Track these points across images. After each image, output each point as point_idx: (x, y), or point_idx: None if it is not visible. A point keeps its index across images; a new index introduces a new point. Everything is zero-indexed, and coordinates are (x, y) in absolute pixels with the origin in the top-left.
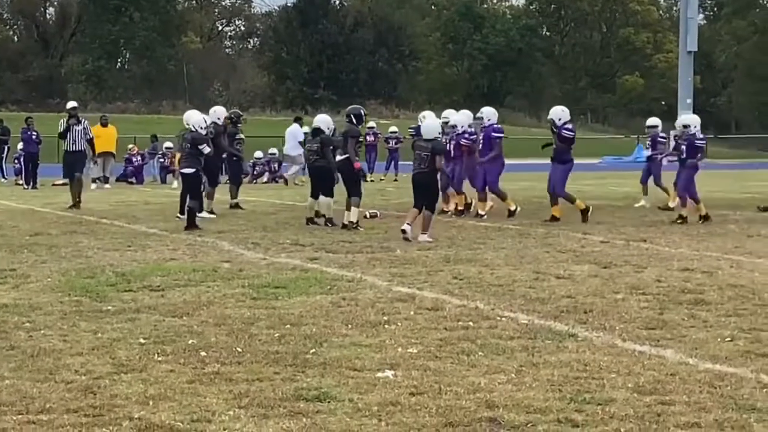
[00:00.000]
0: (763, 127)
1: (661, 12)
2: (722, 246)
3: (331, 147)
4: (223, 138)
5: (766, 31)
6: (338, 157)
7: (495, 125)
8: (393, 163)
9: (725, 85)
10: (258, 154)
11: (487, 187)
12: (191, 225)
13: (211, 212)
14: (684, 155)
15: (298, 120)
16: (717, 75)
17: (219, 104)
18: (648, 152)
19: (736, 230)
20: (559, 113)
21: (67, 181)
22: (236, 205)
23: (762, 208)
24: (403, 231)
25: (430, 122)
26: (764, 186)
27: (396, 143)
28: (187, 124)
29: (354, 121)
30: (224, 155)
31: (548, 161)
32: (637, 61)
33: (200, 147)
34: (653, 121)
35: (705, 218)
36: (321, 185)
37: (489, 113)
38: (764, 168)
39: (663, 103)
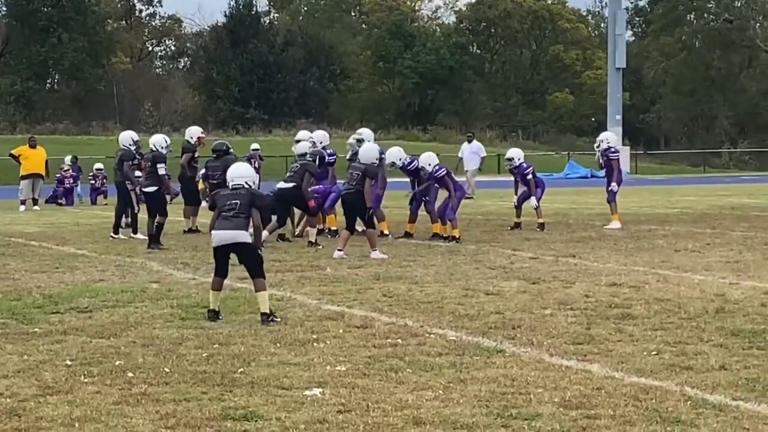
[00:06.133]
0: (692, 142)
1: (589, 29)
2: (650, 261)
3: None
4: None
5: (693, 48)
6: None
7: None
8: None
9: (654, 101)
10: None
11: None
12: (155, 241)
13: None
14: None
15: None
16: (646, 91)
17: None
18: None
19: (664, 245)
20: (397, 153)
21: None
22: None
23: None
24: (336, 258)
25: (369, 146)
26: (692, 201)
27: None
28: (152, 145)
29: (317, 161)
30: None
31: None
32: (566, 78)
33: (158, 166)
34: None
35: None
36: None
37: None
38: (692, 183)
39: (593, 119)
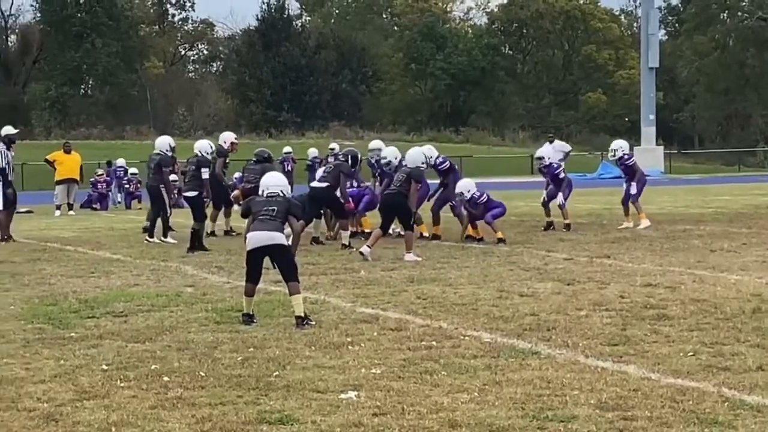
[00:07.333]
0: (726, 141)
1: (622, 29)
2: (685, 261)
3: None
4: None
5: (727, 46)
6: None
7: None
8: None
9: (688, 100)
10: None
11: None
12: (194, 246)
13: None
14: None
15: None
16: (679, 90)
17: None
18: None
19: (699, 245)
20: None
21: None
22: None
23: None
24: (361, 253)
25: (415, 150)
26: (727, 200)
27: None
28: (197, 151)
29: (350, 161)
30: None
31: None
32: (599, 78)
33: (202, 170)
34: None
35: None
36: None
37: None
38: (727, 182)
39: (626, 119)
